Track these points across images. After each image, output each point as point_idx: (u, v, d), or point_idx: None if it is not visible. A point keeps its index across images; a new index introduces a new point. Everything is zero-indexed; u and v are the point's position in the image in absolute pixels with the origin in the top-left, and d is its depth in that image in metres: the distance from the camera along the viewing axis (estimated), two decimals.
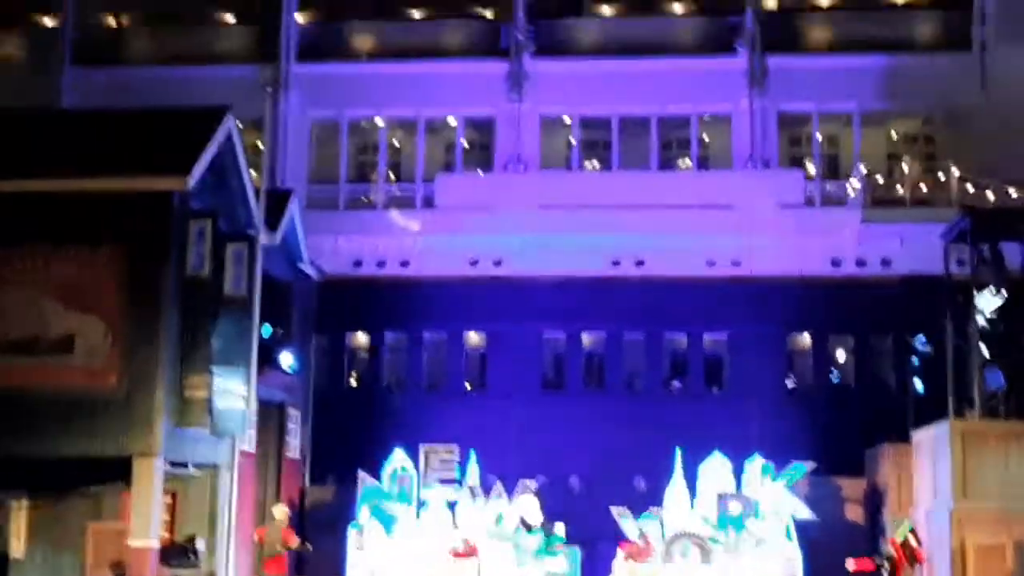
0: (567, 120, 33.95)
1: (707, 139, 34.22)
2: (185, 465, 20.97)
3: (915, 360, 27.53)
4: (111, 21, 36.97)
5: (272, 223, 24.33)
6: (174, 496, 21.65)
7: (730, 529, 23.65)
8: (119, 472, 19.94)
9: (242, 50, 35.12)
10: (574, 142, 34.01)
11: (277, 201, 25.21)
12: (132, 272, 20.27)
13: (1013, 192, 28.90)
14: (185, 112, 22.49)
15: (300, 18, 34.85)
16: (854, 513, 27.14)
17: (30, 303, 20.42)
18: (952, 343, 24.54)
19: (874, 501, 26.60)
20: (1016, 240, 24.35)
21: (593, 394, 31.63)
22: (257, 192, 22.70)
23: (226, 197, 22.20)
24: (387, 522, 24.37)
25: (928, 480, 23.11)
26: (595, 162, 34.56)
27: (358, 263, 32.10)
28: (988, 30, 32.22)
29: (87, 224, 20.48)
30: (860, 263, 30.98)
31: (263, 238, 22.22)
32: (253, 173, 24.27)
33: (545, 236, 31.35)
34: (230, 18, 36.66)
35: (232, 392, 21.04)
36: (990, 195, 29.30)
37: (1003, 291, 24.01)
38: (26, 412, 20.00)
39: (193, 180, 20.42)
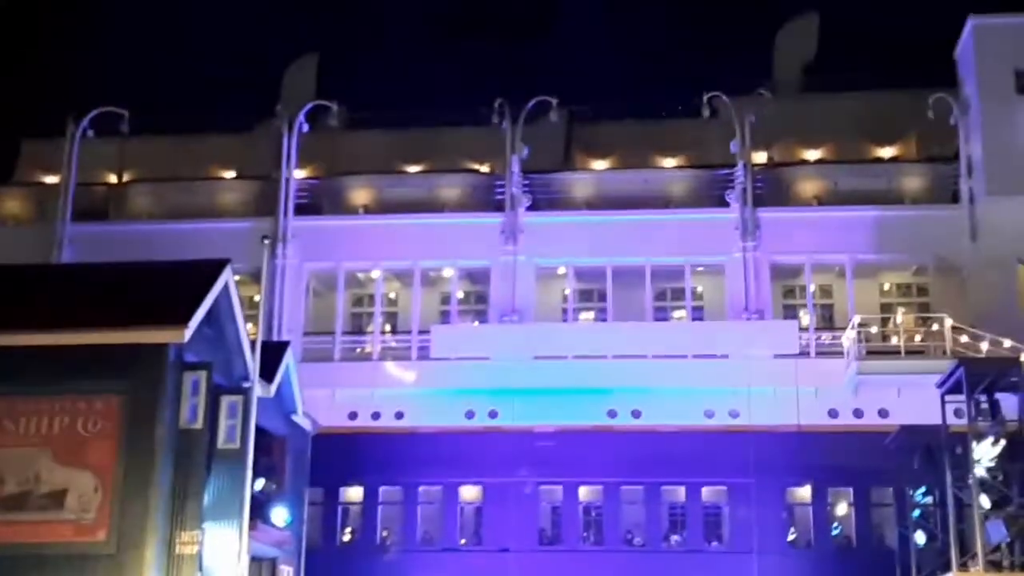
0: (562, 271, 34.24)
1: (701, 290, 34.47)
2: None
3: (916, 512, 27.19)
4: (111, 177, 37.61)
5: (267, 375, 24.29)
6: None
7: None
8: None
9: (241, 205, 35.68)
10: (569, 292, 34.24)
11: (273, 353, 25.22)
12: (125, 424, 20.18)
13: (1007, 342, 28.97)
14: (183, 265, 22.71)
15: (299, 173, 35.44)
16: None
17: (23, 457, 20.24)
18: (952, 494, 24.28)
19: None
20: (1012, 391, 24.34)
21: (591, 549, 31.13)
22: (253, 344, 22.71)
23: (222, 349, 22.24)
24: None
25: None
26: (590, 313, 34.73)
27: (353, 415, 31.93)
28: (975, 183, 32.79)
29: (82, 376, 20.46)
30: (857, 413, 30.88)
31: (258, 390, 22.13)
32: (250, 326, 24.36)
33: (541, 387, 31.28)
34: (230, 174, 37.32)
35: (223, 548, 20.68)
36: (984, 345, 29.37)
37: (1001, 441, 23.90)
38: (15, 568, 19.61)
39: (189, 332, 20.47)
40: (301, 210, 34.73)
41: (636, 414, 31.39)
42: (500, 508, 31.03)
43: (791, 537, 31.05)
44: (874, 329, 31.55)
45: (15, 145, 39.36)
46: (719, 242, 33.09)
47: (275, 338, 31.00)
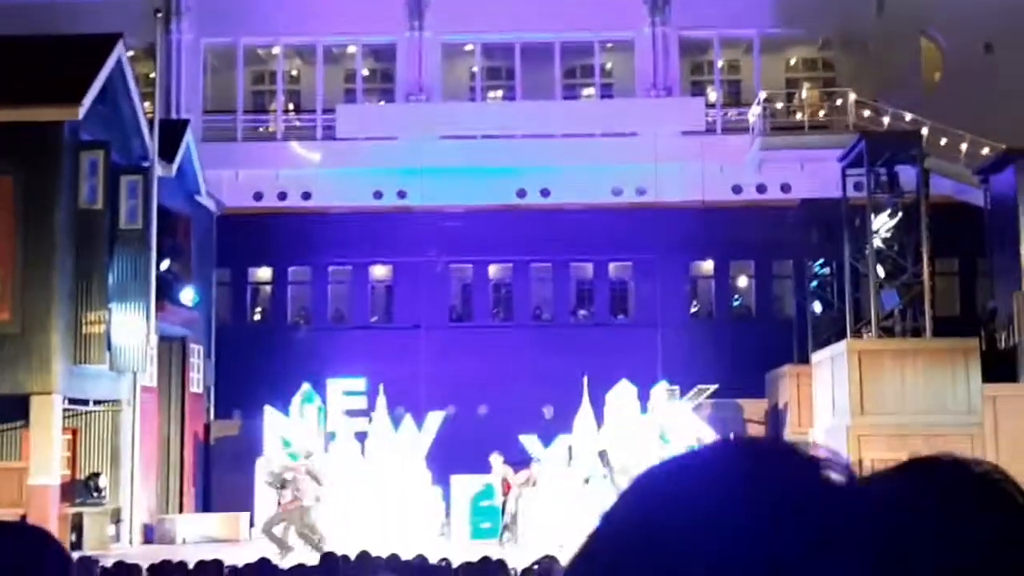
0: (469, 48, 33.58)
1: (610, 67, 34.15)
2: (85, 402, 20.61)
3: (814, 283, 28.07)
4: None
5: (168, 154, 23.78)
6: (75, 433, 21.29)
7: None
8: (18, 411, 19.54)
9: None
10: (476, 70, 33.68)
11: (172, 132, 24.63)
12: (23, 205, 19.74)
13: (908, 116, 29.37)
14: (74, 40, 21.77)
15: None
16: (756, 433, 27.69)
17: None
18: (849, 265, 25.04)
19: (775, 421, 27.22)
20: (911, 163, 24.84)
21: (501, 324, 31.72)
22: (151, 123, 22.13)
23: (119, 128, 21.64)
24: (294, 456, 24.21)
25: (827, 399, 23.67)
26: (498, 92, 34.30)
27: (258, 196, 31.54)
28: None
29: None
30: (760, 189, 31.32)
31: (158, 170, 21.71)
32: (147, 104, 23.64)
33: (449, 167, 31.13)
34: None
35: (131, 327, 20.69)
36: (886, 120, 29.74)
37: (898, 213, 24.55)
38: None
39: (84, 109, 19.84)
40: None
41: (545, 193, 31.50)
42: (410, 287, 31.30)
43: (693, 309, 31.93)
44: (779, 105, 31.69)
45: None
46: (628, 17, 32.56)
47: (173, 117, 30.15)
